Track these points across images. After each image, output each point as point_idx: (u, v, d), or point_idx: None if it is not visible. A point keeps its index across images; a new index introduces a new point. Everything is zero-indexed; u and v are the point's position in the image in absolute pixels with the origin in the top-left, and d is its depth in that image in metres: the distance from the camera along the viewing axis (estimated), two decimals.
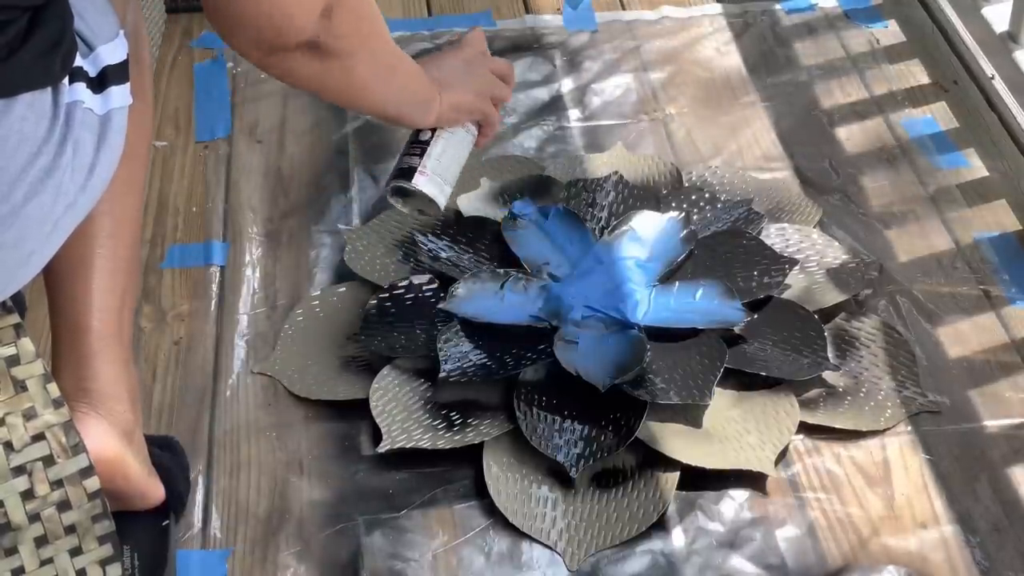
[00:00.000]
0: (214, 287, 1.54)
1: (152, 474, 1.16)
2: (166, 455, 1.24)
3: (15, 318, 0.99)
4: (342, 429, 1.36)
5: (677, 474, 1.28)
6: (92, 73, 0.98)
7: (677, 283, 1.44)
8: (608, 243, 1.49)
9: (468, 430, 1.32)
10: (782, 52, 1.92)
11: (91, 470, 1.01)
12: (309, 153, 1.74)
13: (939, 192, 1.65)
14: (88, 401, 1.09)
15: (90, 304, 1.09)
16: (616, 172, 1.61)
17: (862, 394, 1.37)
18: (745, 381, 1.36)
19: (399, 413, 1.34)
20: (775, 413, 1.33)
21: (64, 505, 1.00)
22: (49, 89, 0.92)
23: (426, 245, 1.51)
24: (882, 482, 1.29)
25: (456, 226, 1.55)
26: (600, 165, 1.67)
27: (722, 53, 1.92)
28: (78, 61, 0.96)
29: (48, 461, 1.00)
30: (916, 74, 1.86)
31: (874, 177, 1.68)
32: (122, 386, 1.12)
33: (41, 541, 1.00)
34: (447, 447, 1.30)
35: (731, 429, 1.32)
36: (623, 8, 2.02)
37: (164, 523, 1.19)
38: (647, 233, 1.49)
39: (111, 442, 1.09)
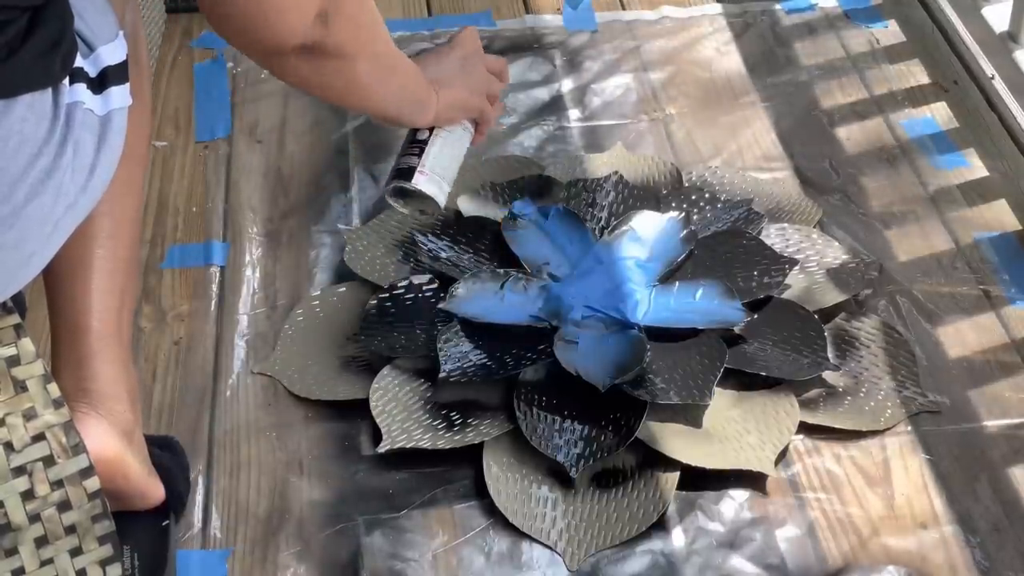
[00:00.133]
0: (214, 287, 1.54)
1: (152, 474, 1.16)
2: (166, 455, 1.24)
3: (15, 318, 0.99)
4: (342, 429, 1.36)
5: (677, 474, 1.28)
6: (92, 74, 0.98)
7: (677, 283, 1.44)
8: (608, 243, 1.49)
9: (468, 430, 1.32)
10: (782, 52, 1.92)
11: (91, 470, 1.01)
12: (309, 153, 1.74)
13: (939, 192, 1.65)
14: (88, 401, 1.09)
15: (90, 304, 1.09)
16: (616, 172, 1.61)
17: (862, 394, 1.37)
18: (745, 381, 1.36)
19: (399, 413, 1.34)
20: (775, 413, 1.33)
21: (64, 505, 1.00)
22: (49, 90, 0.92)
23: (426, 245, 1.51)
24: (882, 482, 1.29)
25: (456, 226, 1.55)
26: (600, 165, 1.67)
27: (722, 53, 1.92)
28: (78, 62, 0.96)
29: (48, 461, 1.00)
30: (916, 74, 1.86)
31: (874, 177, 1.68)
32: (122, 386, 1.12)
33: (41, 541, 1.00)
34: (447, 447, 1.30)
35: (731, 429, 1.32)
36: (623, 8, 2.02)
37: (164, 523, 1.19)
38: (647, 233, 1.49)
39: (111, 442, 1.09)
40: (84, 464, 1.01)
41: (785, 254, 1.49)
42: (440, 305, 1.42)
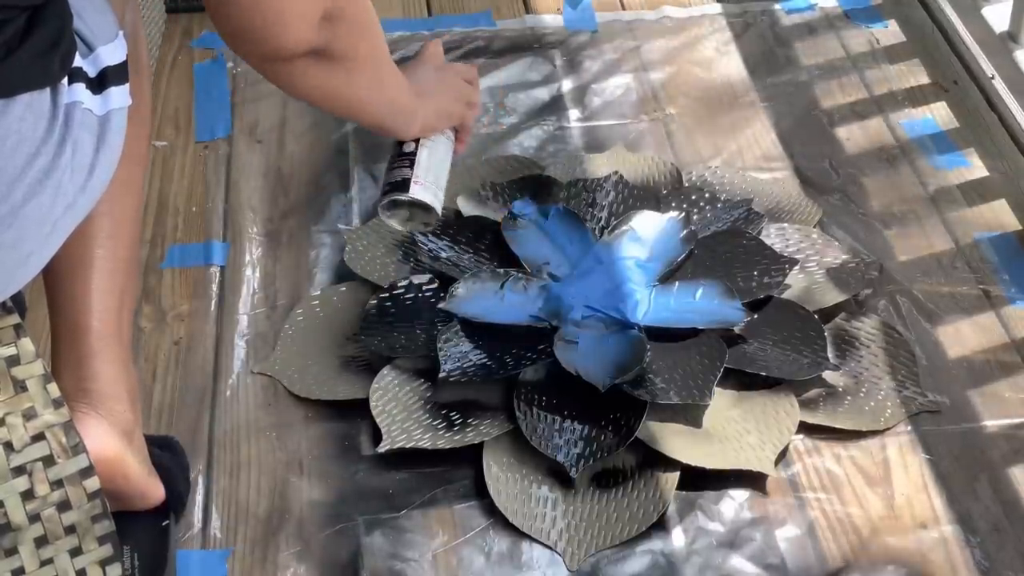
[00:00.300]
0: (214, 287, 1.54)
1: (152, 474, 1.17)
2: (166, 455, 1.24)
3: (15, 318, 0.99)
4: (342, 429, 1.36)
5: (677, 474, 1.28)
6: (92, 74, 0.98)
7: (677, 283, 1.44)
8: (608, 243, 1.49)
9: (468, 430, 1.32)
10: (782, 52, 1.92)
11: (91, 470, 1.01)
12: (309, 153, 1.74)
13: (939, 192, 1.65)
14: (88, 401, 1.09)
15: (89, 304, 1.09)
16: (616, 172, 1.61)
17: (862, 394, 1.37)
18: (745, 381, 1.36)
19: (399, 413, 1.34)
20: (775, 413, 1.33)
21: (64, 505, 1.00)
22: (48, 89, 0.92)
23: (426, 245, 1.51)
24: (882, 482, 1.29)
25: (456, 226, 1.55)
26: (600, 165, 1.67)
27: (722, 53, 1.92)
28: (78, 61, 0.96)
29: (48, 461, 0.99)
30: (916, 74, 1.86)
31: (874, 177, 1.68)
32: (122, 386, 1.12)
33: (41, 541, 1.00)
34: (447, 447, 1.30)
35: (731, 429, 1.32)
36: (623, 8, 2.02)
37: (164, 523, 1.19)
38: (647, 233, 1.49)
39: (111, 442, 1.09)
40: (84, 464, 1.01)
41: (785, 254, 1.49)
42: (440, 305, 1.42)
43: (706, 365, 1.33)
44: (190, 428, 1.36)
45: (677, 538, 1.25)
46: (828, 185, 1.66)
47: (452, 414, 1.34)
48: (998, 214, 1.61)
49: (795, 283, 1.47)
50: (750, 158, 1.72)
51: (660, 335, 1.38)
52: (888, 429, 1.34)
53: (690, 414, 1.33)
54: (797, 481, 1.30)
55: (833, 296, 1.46)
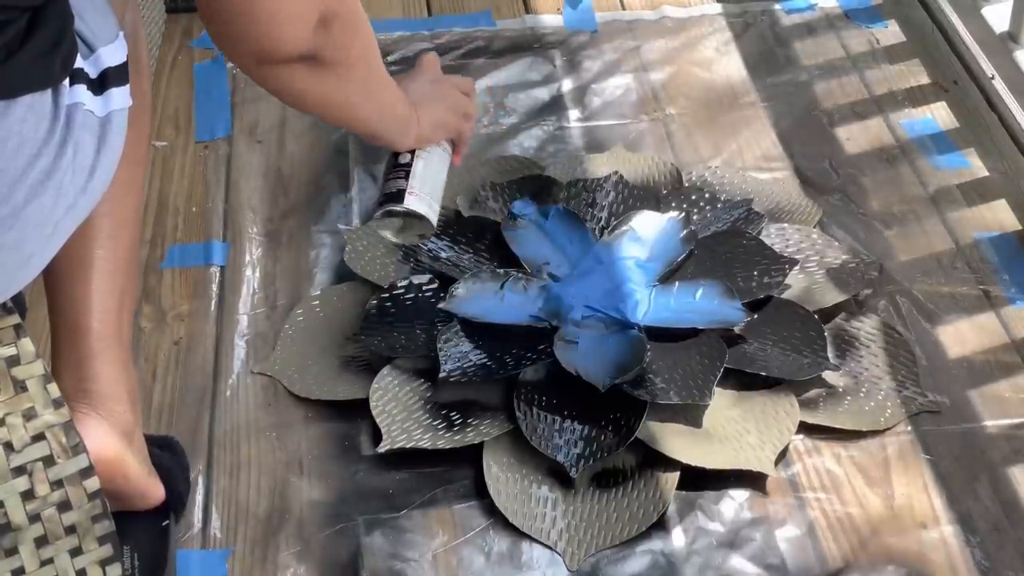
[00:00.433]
0: (214, 287, 1.54)
1: (152, 474, 1.17)
2: (166, 455, 1.25)
3: (15, 319, 0.99)
4: (342, 429, 1.36)
5: (677, 474, 1.28)
6: (93, 75, 0.98)
7: (677, 283, 1.44)
8: (608, 243, 1.49)
9: (468, 430, 1.32)
10: (782, 52, 1.92)
11: (91, 470, 1.01)
12: (309, 153, 1.74)
13: (939, 192, 1.65)
14: (88, 402, 1.09)
15: (90, 305, 1.09)
16: (616, 172, 1.61)
17: (862, 394, 1.37)
18: (745, 381, 1.36)
19: (399, 413, 1.34)
20: (775, 413, 1.33)
21: (64, 505, 1.00)
22: (49, 91, 0.92)
23: (426, 245, 1.51)
24: (882, 482, 1.29)
25: (456, 226, 1.55)
26: (600, 165, 1.67)
27: (722, 53, 1.92)
28: (79, 63, 0.96)
29: (48, 461, 1.00)
30: (916, 74, 1.86)
31: (874, 177, 1.68)
32: (122, 387, 1.12)
33: (41, 541, 1.00)
34: (447, 447, 1.30)
35: (731, 429, 1.32)
36: (623, 8, 2.02)
37: (164, 523, 1.19)
38: (647, 233, 1.49)
39: (111, 442, 1.09)
40: (84, 464, 1.01)
41: (785, 254, 1.49)
42: (440, 305, 1.42)
43: (706, 365, 1.33)
44: (190, 428, 1.36)
45: (677, 538, 1.25)
46: (828, 185, 1.66)
47: (452, 414, 1.34)
48: (998, 214, 1.61)
49: (795, 283, 1.47)
50: (750, 158, 1.72)
51: (660, 335, 1.38)
52: (888, 429, 1.34)
53: (690, 414, 1.33)
54: (797, 481, 1.30)
55: (833, 296, 1.46)
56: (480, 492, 1.29)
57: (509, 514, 1.26)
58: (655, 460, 1.29)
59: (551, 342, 1.36)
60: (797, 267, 1.47)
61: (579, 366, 1.32)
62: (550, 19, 1.99)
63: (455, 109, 1.31)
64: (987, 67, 1.78)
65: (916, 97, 1.82)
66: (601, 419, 1.31)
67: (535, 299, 1.42)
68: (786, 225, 1.57)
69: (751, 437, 1.31)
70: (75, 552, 1.01)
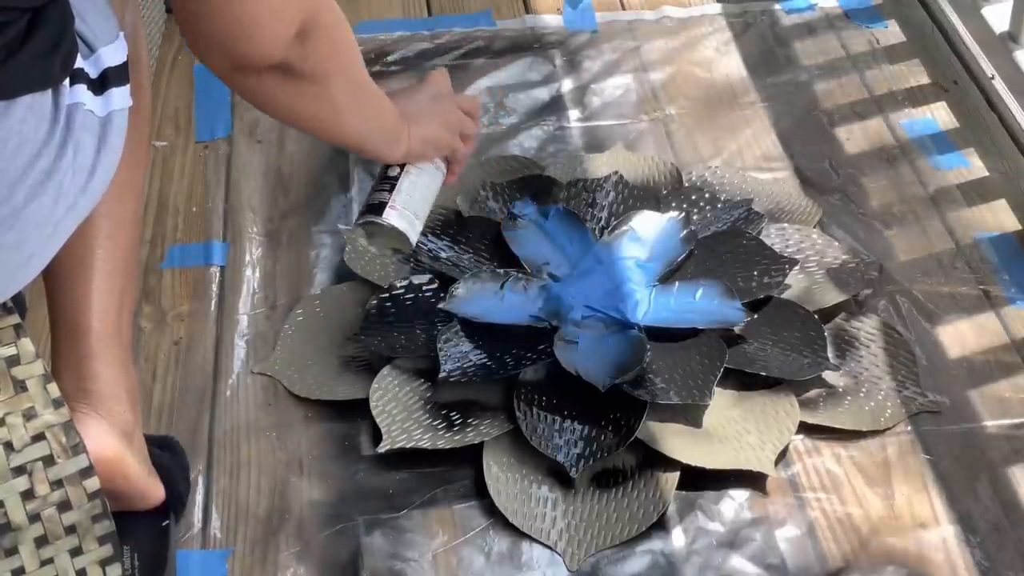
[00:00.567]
0: (214, 287, 1.54)
1: (152, 474, 1.17)
2: (166, 455, 1.25)
3: (15, 319, 1.00)
4: (342, 429, 1.36)
5: (677, 474, 1.28)
6: (93, 75, 0.98)
7: (677, 283, 1.44)
8: (608, 243, 1.49)
9: (468, 430, 1.32)
10: (782, 52, 1.92)
11: (91, 470, 1.01)
12: (309, 153, 1.74)
13: (939, 192, 1.65)
14: (88, 401, 1.09)
15: (90, 305, 1.09)
16: (616, 172, 1.61)
17: (862, 394, 1.37)
18: (745, 381, 1.36)
19: (399, 413, 1.34)
20: (775, 413, 1.33)
21: (64, 505, 1.00)
22: (49, 91, 0.92)
23: (426, 245, 1.51)
24: (882, 482, 1.29)
25: (456, 226, 1.55)
26: (600, 165, 1.67)
27: (722, 53, 1.92)
28: (79, 63, 0.96)
29: (48, 461, 1.00)
30: (916, 74, 1.86)
31: (874, 177, 1.68)
32: (121, 387, 1.12)
33: (41, 541, 1.00)
34: (447, 447, 1.30)
35: (731, 429, 1.32)
36: (623, 8, 2.02)
37: (164, 523, 1.19)
38: (647, 233, 1.49)
39: (111, 442, 1.09)
40: (84, 464, 1.01)
41: (785, 254, 1.49)
42: (440, 305, 1.42)
43: (706, 365, 1.33)
44: (190, 428, 1.36)
45: (677, 538, 1.25)
46: (828, 185, 1.66)
47: (452, 414, 1.34)
48: (998, 214, 1.61)
49: (795, 283, 1.47)
50: (750, 158, 1.72)
51: (660, 335, 1.38)
52: (888, 429, 1.34)
53: (690, 414, 1.33)
54: (797, 481, 1.30)
55: (833, 296, 1.46)
56: (480, 492, 1.29)
57: (509, 514, 1.26)
58: (655, 460, 1.29)
59: (551, 342, 1.36)
60: (797, 267, 1.47)
61: (579, 366, 1.32)
62: (550, 19, 1.99)
63: (450, 127, 1.28)
64: (987, 67, 1.78)
65: (916, 97, 1.82)
66: (601, 419, 1.31)
67: (535, 299, 1.42)
68: (786, 225, 1.57)
69: (751, 437, 1.31)
70: (75, 552, 1.01)
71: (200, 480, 1.31)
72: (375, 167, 1.68)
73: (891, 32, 1.95)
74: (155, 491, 1.16)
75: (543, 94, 1.84)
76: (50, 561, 1.00)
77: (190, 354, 1.45)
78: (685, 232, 1.49)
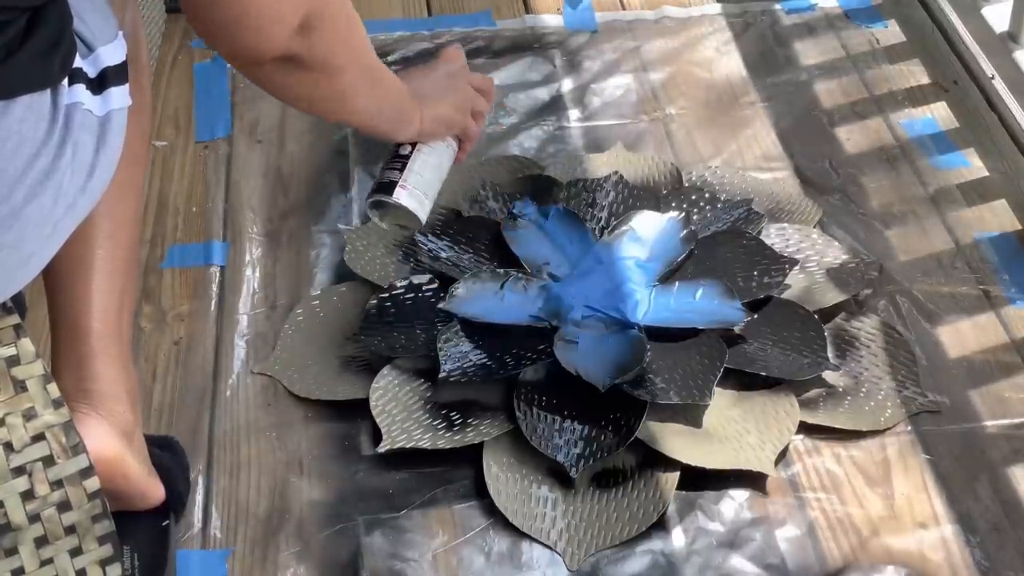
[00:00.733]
0: (214, 287, 1.54)
1: (152, 474, 1.17)
2: (166, 455, 1.25)
3: (15, 319, 0.99)
4: (342, 429, 1.36)
5: (677, 474, 1.28)
6: (92, 74, 0.98)
7: (677, 283, 1.44)
8: (608, 243, 1.49)
9: (468, 430, 1.32)
10: (782, 52, 1.92)
11: (91, 470, 1.01)
12: (309, 153, 1.74)
13: (939, 192, 1.65)
14: (88, 401, 1.09)
15: (90, 305, 1.09)
16: (616, 172, 1.61)
17: (862, 394, 1.37)
18: (745, 381, 1.36)
19: (399, 413, 1.34)
20: (775, 413, 1.33)
21: (64, 505, 1.00)
22: (48, 91, 0.92)
23: (426, 245, 1.51)
24: (882, 482, 1.29)
25: (456, 226, 1.55)
26: (600, 165, 1.67)
27: (722, 53, 1.92)
28: (78, 62, 0.96)
29: (48, 461, 1.00)
30: (916, 74, 1.86)
31: (874, 177, 1.68)
32: (121, 386, 1.12)
33: (41, 541, 1.00)
34: (447, 447, 1.30)
35: (731, 429, 1.32)
36: (623, 8, 2.02)
37: (164, 523, 1.19)
38: (647, 233, 1.49)
39: (111, 442, 1.09)
40: (84, 464, 1.01)
41: (785, 254, 1.49)
42: (440, 305, 1.42)
43: (706, 365, 1.33)
44: (190, 428, 1.36)
45: (677, 538, 1.25)
46: (828, 185, 1.66)
47: (452, 414, 1.34)
48: (998, 214, 1.61)
49: (795, 283, 1.47)
50: (750, 158, 1.72)
51: (660, 335, 1.38)
52: (888, 429, 1.34)
53: (690, 414, 1.33)
54: (797, 481, 1.30)
55: (833, 296, 1.46)
56: (480, 492, 1.29)
57: (509, 514, 1.26)
58: (655, 460, 1.29)
59: (551, 342, 1.36)
60: (797, 267, 1.47)
61: (579, 366, 1.32)
62: (550, 19, 1.99)
63: (462, 106, 1.29)
64: (987, 67, 1.78)
65: (916, 97, 1.82)
66: (601, 419, 1.31)
67: (535, 299, 1.42)
68: (786, 225, 1.57)
69: (751, 437, 1.31)
70: (75, 552, 1.01)
71: (200, 480, 1.31)
72: (375, 167, 1.69)
73: (891, 32, 1.95)
74: (155, 491, 1.16)
75: (543, 94, 1.84)
76: (50, 561, 1.00)
77: (190, 354, 1.45)
78: (685, 232, 1.49)
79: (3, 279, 0.94)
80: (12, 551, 0.98)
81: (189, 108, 1.81)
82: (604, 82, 1.86)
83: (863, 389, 1.37)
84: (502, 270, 1.46)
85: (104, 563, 1.03)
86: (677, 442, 1.30)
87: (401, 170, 1.27)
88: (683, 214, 1.52)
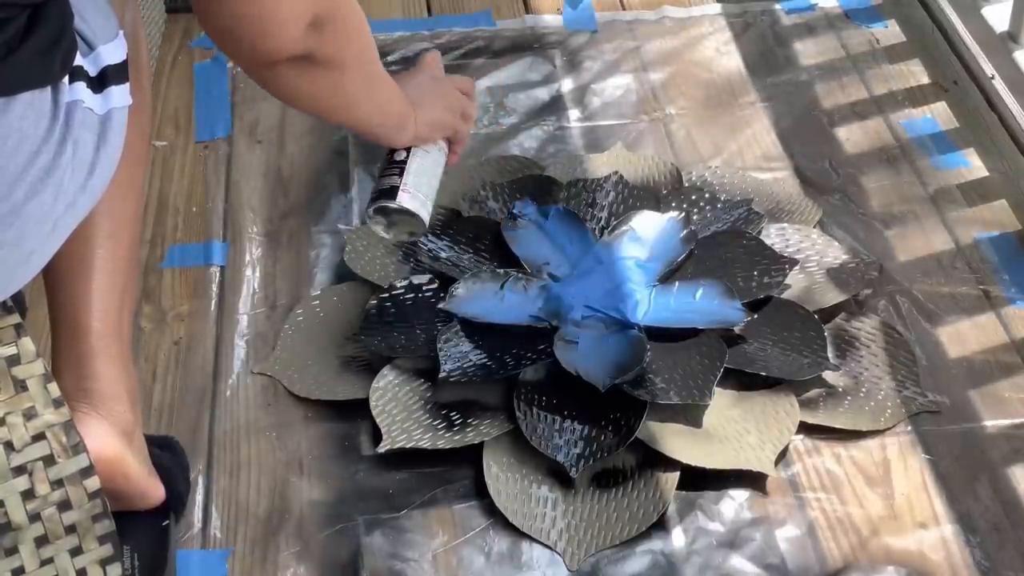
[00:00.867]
0: (214, 287, 1.54)
1: (152, 474, 1.17)
2: (166, 455, 1.25)
3: (15, 318, 0.99)
4: (342, 429, 1.36)
5: (677, 474, 1.28)
6: (92, 73, 0.98)
7: (677, 283, 1.44)
8: (608, 243, 1.49)
9: (468, 430, 1.32)
10: (782, 52, 1.92)
11: (91, 470, 1.01)
12: (309, 153, 1.74)
13: (939, 192, 1.65)
14: (88, 401, 1.09)
15: (90, 304, 1.09)
16: (616, 172, 1.61)
17: (862, 394, 1.37)
18: (745, 381, 1.36)
19: (399, 413, 1.34)
20: (775, 413, 1.33)
21: (64, 505, 1.00)
22: (49, 88, 0.92)
23: (426, 245, 1.51)
24: (882, 482, 1.29)
25: (456, 226, 1.55)
26: (600, 165, 1.67)
27: (722, 53, 1.92)
28: (78, 60, 0.96)
29: (48, 461, 1.00)
30: (916, 74, 1.86)
31: (874, 177, 1.68)
32: (122, 386, 1.12)
33: (41, 541, 1.00)
34: (447, 447, 1.30)
35: (731, 429, 1.32)
36: (623, 8, 2.02)
37: (164, 523, 1.19)
38: (647, 233, 1.49)
39: (111, 442, 1.09)
40: (84, 464, 1.01)
41: (785, 254, 1.49)
42: (440, 305, 1.42)
43: (706, 365, 1.33)
44: (190, 428, 1.36)
45: (677, 538, 1.25)
46: (828, 185, 1.66)
47: (452, 414, 1.34)
48: (998, 214, 1.61)
49: (795, 283, 1.47)
50: (750, 158, 1.72)
51: (660, 335, 1.38)
52: (888, 429, 1.34)
53: (690, 414, 1.33)
54: (797, 481, 1.30)
55: (833, 296, 1.46)
56: (480, 492, 1.29)
57: (509, 514, 1.26)
58: (655, 460, 1.29)
59: (551, 342, 1.36)
60: (797, 267, 1.47)
61: (579, 366, 1.32)
62: (550, 19, 1.99)
63: (453, 108, 1.30)
64: (987, 67, 1.78)
65: (916, 97, 1.82)
66: (601, 419, 1.31)
67: (535, 299, 1.42)
68: (786, 225, 1.57)
69: (751, 437, 1.31)
70: (75, 552, 1.01)
71: (200, 480, 1.31)
72: (375, 168, 1.69)
73: (891, 32, 1.95)
74: (155, 491, 1.16)
75: (543, 94, 1.84)
76: (50, 561, 1.00)
77: (190, 354, 1.45)
78: (685, 232, 1.49)
79: (4, 277, 0.94)
80: (12, 550, 0.98)
81: (189, 108, 1.81)
82: (604, 82, 1.86)
83: (863, 389, 1.37)
84: (502, 270, 1.46)
85: (104, 563, 1.03)
86: (677, 442, 1.30)
87: (400, 175, 1.27)
88: (683, 214, 1.52)
